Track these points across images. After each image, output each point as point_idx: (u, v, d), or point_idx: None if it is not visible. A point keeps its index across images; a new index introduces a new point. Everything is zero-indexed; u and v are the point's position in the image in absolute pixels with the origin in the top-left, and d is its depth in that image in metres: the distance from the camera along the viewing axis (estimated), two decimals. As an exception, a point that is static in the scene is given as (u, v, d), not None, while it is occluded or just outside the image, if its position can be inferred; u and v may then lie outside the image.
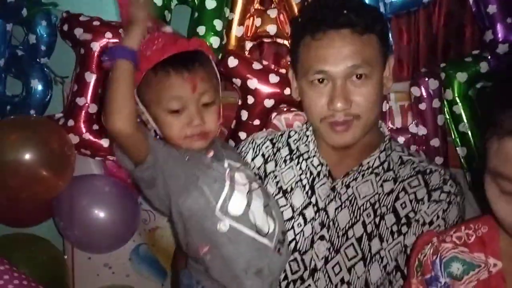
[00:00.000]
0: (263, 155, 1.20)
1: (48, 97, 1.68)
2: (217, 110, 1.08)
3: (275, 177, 1.17)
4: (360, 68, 1.02)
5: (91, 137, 1.58)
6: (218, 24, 1.45)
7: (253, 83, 1.45)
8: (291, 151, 1.19)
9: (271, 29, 1.50)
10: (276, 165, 1.18)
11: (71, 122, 1.57)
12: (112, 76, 0.96)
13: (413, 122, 1.52)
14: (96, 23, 1.53)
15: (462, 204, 1.10)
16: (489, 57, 1.47)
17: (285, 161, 1.18)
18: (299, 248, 1.09)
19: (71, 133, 1.57)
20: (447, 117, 1.53)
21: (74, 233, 1.59)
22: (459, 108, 1.50)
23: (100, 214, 1.57)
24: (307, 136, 1.18)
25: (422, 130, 1.51)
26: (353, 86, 1.02)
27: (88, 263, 1.69)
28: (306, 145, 1.17)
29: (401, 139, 1.50)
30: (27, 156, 1.46)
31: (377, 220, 1.07)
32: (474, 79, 1.50)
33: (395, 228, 1.07)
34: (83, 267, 1.70)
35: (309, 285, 1.08)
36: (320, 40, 1.02)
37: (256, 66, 1.46)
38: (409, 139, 1.52)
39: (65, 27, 1.55)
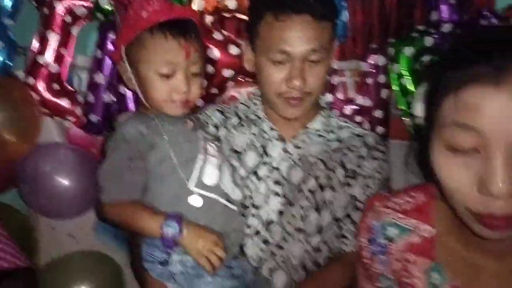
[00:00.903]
0: (214, 125, 1.26)
1: (11, 61, 1.64)
2: (201, 81, 1.11)
3: (228, 141, 1.23)
4: (317, 52, 1.10)
5: (50, 96, 1.59)
6: None
7: (213, 52, 1.47)
8: (240, 119, 1.27)
9: (231, 3, 1.52)
10: (227, 131, 1.25)
11: (31, 80, 1.58)
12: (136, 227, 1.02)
13: (360, 95, 1.61)
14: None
15: (389, 163, 1.25)
16: (435, 35, 1.55)
17: (235, 127, 1.25)
18: (255, 203, 1.17)
19: (31, 91, 1.58)
20: (396, 89, 1.61)
21: (37, 199, 1.60)
22: (406, 81, 1.58)
23: (64, 181, 1.59)
24: (256, 105, 1.26)
25: (367, 102, 1.60)
26: (309, 67, 1.11)
27: (52, 233, 1.71)
28: (254, 113, 1.25)
29: (349, 109, 1.60)
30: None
31: (328, 173, 1.17)
32: (420, 53, 1.58)
33: (344, 180, 1.18)
34: (47, 237, 1.71)
35: (265, 236, 1.15)
36: (283, 22, 1.08)
37: (217, 36, 1.49)
38: (356, 109, 1.61)
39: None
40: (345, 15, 1.53)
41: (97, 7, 1.53)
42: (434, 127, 0.75)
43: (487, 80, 0.65)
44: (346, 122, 1.28)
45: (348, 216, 1.18)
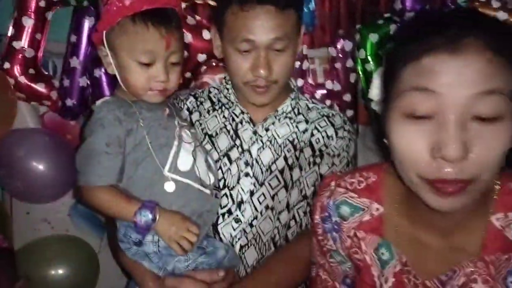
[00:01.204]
0: (188, 109, 1.30)
1: None
2: (179, 71, 1.13)
3: (200, 125, 1.27)
4: (281, 40, 1.13)
5: (26, 81, 1.61)
6: None
7: (187, 37, 1.50)
8: (212, 103, 1.31)
9: None
10: (200, 115, 1.29)
11: (7, 65, 1.59)
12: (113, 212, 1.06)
13: (329, 79, 1.67)
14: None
15: (355, 142, 1.32)
16: (399, 23, 1.62)
17: (208, 111, 1.29)
18: (227, 184, 1.22)
19: (7, 75, 1.58)
20: (361, 74, 1.67)
21: (12, 183, 1.61)
22: (371, 66, 1.64)
23: (39, 165, 1.62)
24: (227, 89, 1.29)
25: (336, 86, 1.67)
26: (274, 56, 1.14)
27: (27, 218, 1.72)
28: (226, 97, 1.29)
29: (319, 94, 1.66)
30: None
31: (297, 153, 1.24)
32: (384, 40, 1.64)
33: (311, 160, 1.24)
34: (22, 222, 1.72)
35: (237, 215, 1.21)
36: (247, 12, 1.11)
37: (190, 21, 1.52)
38: (326, 94, 1.67)
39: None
40: (312, 5, 1.58)
41: None
42: (391, 100, 0.79)
43: (443, 49, 0.71)
44: (315, 103, 1.34)
45: (316, 193, 1.23)
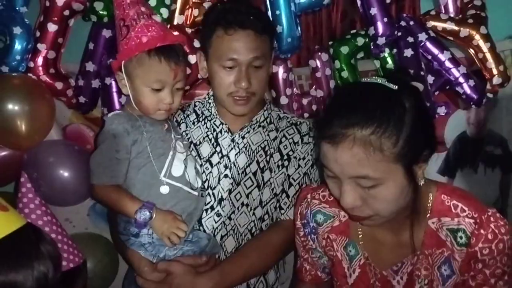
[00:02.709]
0: (176, 121, 1.46)
1: (30, 44, 1.75)
2: (183, 94, 1.32)
3: (187, 135, 1.44)
4: (258, 59, 1.33)
5: (47, 79, 1.76)
6: (164, 12, 1.68)
7: (192, 58, 1.67)
8: (197, 115, 1.48)
9: None
10: (187, 126, 1.46)
11: (31, 64, 1.74)
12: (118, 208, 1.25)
13: (313, 88, 1.85)
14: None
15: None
16: (372, 46, 1.82)
17: (193, 123, 1.47)
18: (210, 185, 1.40)
19: (30, 73, 1.74)
20: (338, 81, 1.85)
21: (40, 188, 1.72)
22: (346, 73, 1.84)
23: (65, 173, 1.79)
24: (209, 103, 1.47)
25: (319, 93, 1.84)
26: (253, 72, 1.34)
27: None
28: (208, 110, 1.46)
29: (306, 101, 1.85)
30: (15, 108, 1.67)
31: (267, 158, 1.42)
32: (354, 51, 1.84)
33: (280, 163, 1.43)
34: None
35: (218, 210, 1.39)
36: (231, 35, 1.30)
37: (196, 44, 1.69)
38: (311, 100, 1.85)
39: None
40: (298, 31, 1.78)
41: (92, 10, 1.71)
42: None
43: (330, 142, 0.94)
44: (285, 113, 1.53)
45: (284, 191, 1.42)
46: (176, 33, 1.63)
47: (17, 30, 1.73)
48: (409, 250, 1.08)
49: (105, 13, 1.70)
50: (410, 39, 1.84)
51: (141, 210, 1.21)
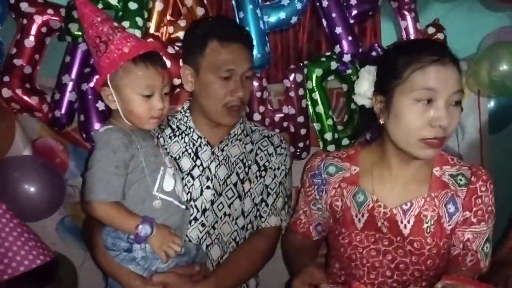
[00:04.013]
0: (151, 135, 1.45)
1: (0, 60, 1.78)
2: (169, 99, 1.33)
3: (166, 149, 1.46)
4: (250, 70, 1.44)
5: (22, 94, 1.76)
6: (138, 33, 1.69)
7: (167, 63, 1.66)
8: (172, 129, 1.51)
9: (181, 35, 1.76)
10: (164, 141, 1.49)
11: (6, 78, 1.74)
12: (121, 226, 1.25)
13: (285, 105, 1.93)
14: (40, 0, 1.76)
15: (290, 156, 1.63)
16: (338, 64, 1.93)
17: (170, 137, 1.50)
18: (193, 197, 1.45)
19: (6, 87, 1.73)
20: (308, 102, 1.95)
21: (6, 204, 1.67)
22: (316, 95, 1.94)
23: (31, 188, 1.76)
24: (187, 117, 1.51)
25: (291, 110, 1.93)
26: (245, 82, 1.44)
27: None
28: (184, 124, 1.50)
29: (278, 117, 1.92)
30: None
31: (246, 169, 1.49)
32: (326, 74, 1.95)
33: (258, 174, 1.51)
34: None
35: (202, 221, 1.44)
36: (227, 48, 1.38)
37: (171, 50, 1.74)
38: (283, 117, 1.93)
39: (12, 0, 1.74)
40: (267, 48, 1.87)
41: (67, 31, 1.73)
42: (396, 93, 1.20)
43: (438, 62, 1.16)
44: (257, 126, 1.61)
45: (263, 200, 1.51)
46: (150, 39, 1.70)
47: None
48: (417, 194, 1.30)
49: (79, 33, 1.72)
50: None
51: (142, 225, 1.23)
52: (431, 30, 2.02)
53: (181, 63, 1.59)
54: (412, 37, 2.02)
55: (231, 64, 1.38)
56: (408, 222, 1.28)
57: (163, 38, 1.83)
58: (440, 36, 1.99)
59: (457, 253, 1.29)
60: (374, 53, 1.96)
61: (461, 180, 1.31)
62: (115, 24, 1.30)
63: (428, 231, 1.28)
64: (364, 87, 1.29)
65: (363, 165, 1.38)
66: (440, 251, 1.29)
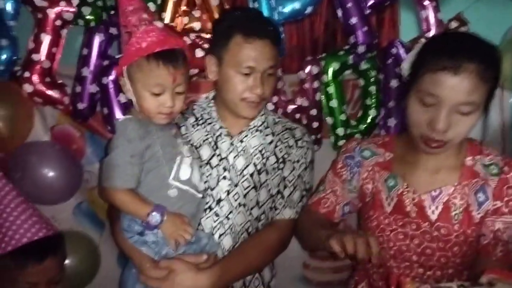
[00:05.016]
0: (176, 124, 1.49)
1: (15, 56, 1.84)
2: (184, 98, 1.32)
3: (187, 137, 1.48)
4: (273, 67, 1.41)
5: (43, 88, 1.82)
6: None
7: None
8: (196, 118, 1.52)
9: (196, 25, 1.83)
10: (186, 129, 1.50)
11: (27, 74, 1.80)
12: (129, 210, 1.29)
13: (299, 97, 1.93)
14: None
15: (313, 150, 1.60)
16: (354, 54, 1.91)
17: (193, 126, 1.51)
18: (209, 186, 1.46)
19: (27, 83, 1.80)
20: (322, 95, 1.95)
21: (25, 187, 1.77)
22: (331, 89, 1.94)
23: (49, 173, 1.84)
24: (210, 107, 1.52)
25: (305, 103, 1.93)
26: (266, 79, 1.40)
27: None
28: (208, 113, 1.52)
29: (290, 108, 1.93)
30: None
31: (264, 161, 1.49)
32: (343, 68, 1.93)
33: (276, 165, 1.50)
34: None
35: (216, 210, 1.45)
36: (251, 44, 1.36)
37: (187, 40, 1.76)
38: (296, 108, 1.93)
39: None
40: (282, 37, 1.86)
41: (79, 15, 1.78)
42: (411, 89, 1.23)
43: (450, 70, 1.13)
44: (280, 118, 1.61)
45: (280, 192, 1.51)
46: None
47: (3, 42, 1.81)
48: (446, 182, 1.32)
49: (92, 17, 1.76)
50: (398, 70, 1.92)
51: (153, 213, 1.26)
52: (454, 24, 1.97)
53: (200, 53, 1.63)
54: (432, 28, 1.97)
55: (251, 62, 1.37)
56: (436, 208, 1.30)
57: (178, 29, 1.85)
58: (463, 30, 1.94)
59: (486, 242, 1.29)
60: (394, 50, 1.95)
61: (493, 169, 1.32)
62: (145, 15, 1.30)
63: (456, 218, 1.29)
64: (405, 65, 1.30)
65: (396, 152, 1.41)
66: (468, 239, 1.29)
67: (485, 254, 1.29)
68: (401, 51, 1.94)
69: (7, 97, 1.79)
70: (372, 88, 1.99)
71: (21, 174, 1.79)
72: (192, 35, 1.84)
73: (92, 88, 1.82)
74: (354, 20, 1.89)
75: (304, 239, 1.52)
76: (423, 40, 1.95)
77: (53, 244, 1.48)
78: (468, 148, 1.34)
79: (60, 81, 1.88)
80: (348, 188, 1.47)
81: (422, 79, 1.19)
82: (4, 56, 1.81)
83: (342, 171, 1.47)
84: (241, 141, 1.49)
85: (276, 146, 1.52)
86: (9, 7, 1.82)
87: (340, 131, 1.97)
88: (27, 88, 1.80)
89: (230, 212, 1.46)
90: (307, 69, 1.93)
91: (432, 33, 1.97)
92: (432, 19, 1.98)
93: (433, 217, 1.31)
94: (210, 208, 1.45)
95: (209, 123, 1.51)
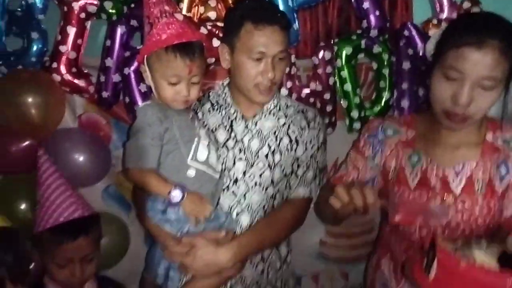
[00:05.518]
0: (193, 109, 1.55)
1: (45, 48, 1.95)
2: (199, 87, 1.41)
3: (203, 122, 1.55)
4: (283, 52, 1.44)
5: (70, 77, 1.91)
6: None
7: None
8: (212, 104, 1.59)
9: (212, 15, 1.89)
10: (203, 115, 1.57)
11: (54, 65, 1.89)
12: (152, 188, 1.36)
13: (313, 81, 1.98)
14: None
15: (325, 131, 1.65)
16: (367, 38, 1.95)
17: (209, 111, 1.58)
18: (226, 167, 1.52)
19: (54, 73, 1.89)
20: (336, 79, 2.00)
21: None
22: (345, 73, 1.99)
23: (79, 157, 1.94)
24: (225, 93, 1.58)
25: (318, 87, 1.98)
26: (277, 63, 1.45)
27: None
28: (223, 99, 1.58)
29: (304, 93, 1.98)
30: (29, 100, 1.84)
31: (277, 142, 1.55)
32: (356, 52, 1.97)
33: (289, 146, 1.56)
34: None
35: (233, 190, 1.53)
36: (261, 30, 1.40)
37: (203, 30, 1.83)
38: (310, 92, 1.99)
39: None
40: (296, 25, 1.91)
41: (102, 9, 1.87)
42: (436, 65, 1.26)
43: (473, 45, 1.17)
44: (292, 102, 1.66)
45: (293, 172, 1.58)
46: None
47: (34, 34, 1.92)
48: (468, 157, 1.36)
49: (113, 11, 1.85)
50: (410, 51, 1.96)
51: (174, 191, 1.34)
52: (466, 4, 1.98)
53: (216, 42, 1.69)
54: (445, 9, 1.99)
55: (262, 47, 1.42)
56: (460, 182, 1.35)
57: (195, 18, 1.91)
58: (475, 10, 1.96)
59: (510, 215, 1.34)
60: (406, 32, 1.97)
61: None
62: (167, 7, 1.35)
63: (479, 192, 1.33)
64: (429, 46, 1.35)
65: (418, 130, 1.45)
66: (490, 212, 1.33)
67: (508, 226, 1.33)
68: (414, 33, 1.97)
69: (40, 86, 1.88)
70: (385, 71, 2.02)
71: (53, 160, 1.84)
72: (209, 25, 1.90)
73: (115, 77, 1.91)
74: (366, 4, 1.93)
75: (324, 211, 1.58)
76: (435, 22, 2.00)
77: (86, 225, 1.59)
78: (488, 125, 1.37)
79: (85, 71, 1.98)
80: (371, 166, 1.51)
81: (446, 55, 1.23)
82: (35, 48, 1.93)
83: (365, 149, 1.51)
84: (255, 124, 1.56)
85: (289, 128, 1.58)
86: (38, 1, 1.92)
87: (354, 113, 2.02)
88: (55, 78, 1.89)
89: (247, 191, 1.53)
90: (321, 54, 1.97)
91: (445, 14, 1.99)
92: (445, 2, 1.99)
93: (457, 190, 1.35)
94: (228, 188, 1.53)
95: (224, 108, 1.58)
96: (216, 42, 1.83)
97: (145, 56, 1.38)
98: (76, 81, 1.93)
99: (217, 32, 1.88)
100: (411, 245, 1.43)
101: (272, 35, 1.42)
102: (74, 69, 1.93)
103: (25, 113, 1.85)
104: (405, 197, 1.40)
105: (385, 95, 2.04)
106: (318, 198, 1.59)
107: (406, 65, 1.98)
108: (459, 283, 1.04)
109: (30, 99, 1.85)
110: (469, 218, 1.34)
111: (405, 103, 2.01)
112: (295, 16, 1.92)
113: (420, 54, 1.96)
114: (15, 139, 1.91)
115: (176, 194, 1.34)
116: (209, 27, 1.87)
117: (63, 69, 1.91)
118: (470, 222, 1.35)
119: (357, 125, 2.02)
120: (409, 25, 1.97)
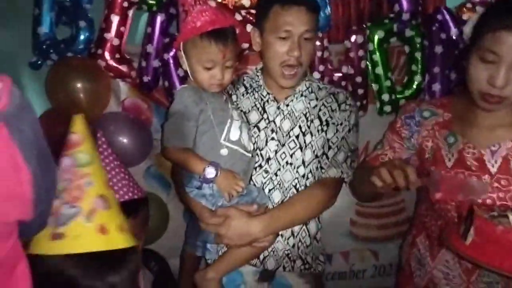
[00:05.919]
0: (228, 92, 1.63)
1: (92, 35, 2.06)
2: (232, 71, 1.49)
3: (237, 104, 1.63)
4: (308, 32, 1.50)
5: (113, 63, 2.03)
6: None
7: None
8: (245, 88, 1.67)
9: (245, 2, 1.96)
10: (237, 98, 1.65)
11: (99, 51, 2.01)
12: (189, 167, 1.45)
13: (345, 65, 2.03)
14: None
15: (357, 113, 1.68)
16: (399, 22, 1.97)
17: (242, 94, 1.66)
18: (258, 146, 1.61)
19: (100, 59, 2.01)
20: (368, 63, 2.03)
21: None
22: (377, 56, 2.02)
23: (124, 139, 2.07)
24: (258, 76, 1.66)
25: (350, 70, 2.03)
26: (303, 43, 1.50)
27: None
28: (256, 82, 1.66)
29: (336, 76, 2.03)
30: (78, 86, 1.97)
31: (308, 123, 1.61)
32: (388, 36, 2.00)
33: (319, 128, 1.62)
34: None
35: (266, 168, 1.61)
36: (287, 11, 1.47)
37: (238, 17, 1.92)
38: (341, 76, 2.04)
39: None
40: (328, 10, 1.95)
41: (143, 1, 1.97)
42: (473, 48, 1.29)
43: (509, 28, 1.19)
44: (324, 84, 1.72)
45: (324, 153, 1.63)
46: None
47: (82, 23, 2.05)
48: (505, 135, 1.38)
49: (154, 2, 1.95)
50: (443, 36, 1.97)
51: (208, 169, 1.43)
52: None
53: (250, 28, 1.75)
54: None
55: (288, 26, 1.48)
56: (496, 162, 1.37)
57: (230, 6, 1.99)
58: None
59: None
60: (439, 16, 1.99)
61: None
62: None
63: None
64: (467, 29, 1.38)
65: (454, 111, 1.48)
66: None
67: None
68: (447, 17, 1.98)
69: (88, 72, 2.00)
70: (418, 55, 2.04)
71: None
72: (243, 12, 1.98)
73: (155, 63, 2.02)
74: (398, -13, 1.94)
75: (360, 189, 1.64)
76: (469, 6, 2.01)
77: (135, 207, 1.68)
78: None
79: (128, 57, 2.09)
80: (407, 146, 1.54)
81: (483, 38, 1.25)
82: (82, 36, 2.06)
83: (401, 129, 1.54)
84: (287, 105, 1.63)
85: (320, 110, 1.63)
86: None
87: (385, 97, 2.05)
88: (101, 63, 2.02)
89: (278, 170, 1.60)
90: (353, 38, 2.01)
91: (478, -3, 1.98)
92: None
93: (493, 170, 1.38)
94: (260, 166, 1.61)
95: (257, 91, 1.66)
96: (249, 28, 1.87)
97: (181, 42, 1.47)
98: (119, 66, 2.05)
99: (251, 18, 1.95)
100: (447, 224, 1.46)
101: (298, 14, 1.48)
102: (117, 55, 2.04)
103: (74, 98, 1.98)
104: (444, 175, 1.43)
105: (417, 78, 2.06)
106: (353, 177, 1.63)
107: (438, 49, 2.00)
108: (495, 246, 1.11)
109: (79, 85, 1.98)
110: (505, 196, 1.37)
111: (436, 87, 2.03)
112: (327, 1, 1.97)
113: (453, 38, 1.97)
114: (65, 122, 2.03)
115: (211, 171, 1.42)
116: (243, 14, 1.95)
117: (107, 55, 2.03)
118: (505, 200, 1.37)
119: (387, 108, 2.06)
120: (442, 9, 1.98)
